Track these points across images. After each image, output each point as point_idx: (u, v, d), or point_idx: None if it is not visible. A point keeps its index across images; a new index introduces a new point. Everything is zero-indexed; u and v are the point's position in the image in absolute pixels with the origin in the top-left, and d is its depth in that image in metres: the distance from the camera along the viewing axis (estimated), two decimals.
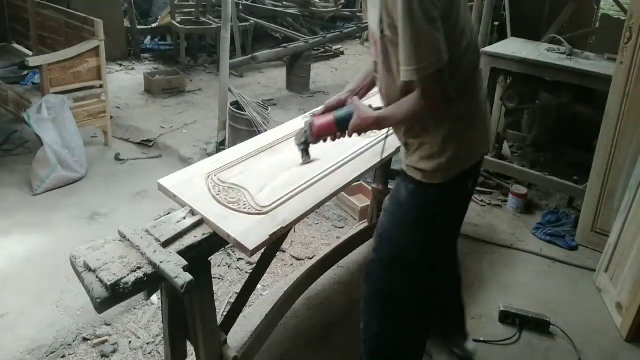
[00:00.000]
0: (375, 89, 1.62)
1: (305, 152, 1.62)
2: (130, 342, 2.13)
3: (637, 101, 2.54)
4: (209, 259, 1.49)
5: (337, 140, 1.60)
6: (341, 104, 1.59)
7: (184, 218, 1.46)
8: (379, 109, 1.51)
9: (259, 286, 2.30)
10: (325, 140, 1.60)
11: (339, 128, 1.53)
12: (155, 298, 2.31)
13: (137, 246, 1.33)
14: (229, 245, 1.55)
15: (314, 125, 1.56)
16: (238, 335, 2.04)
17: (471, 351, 2.09)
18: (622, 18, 3.81)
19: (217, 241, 1.44)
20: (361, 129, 1.50)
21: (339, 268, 2.56)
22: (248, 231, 1.41)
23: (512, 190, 3.22)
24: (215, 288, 2.35)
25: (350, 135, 1.53)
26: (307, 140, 1.59)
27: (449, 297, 2.02)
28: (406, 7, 1.18)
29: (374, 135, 2.00)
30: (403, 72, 1.25)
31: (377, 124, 1.47)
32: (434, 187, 1.45)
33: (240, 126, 3.56)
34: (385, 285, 1.63)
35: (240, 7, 6.11)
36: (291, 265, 2.68)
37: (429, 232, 1.54)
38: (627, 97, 2.56)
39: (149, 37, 6.36)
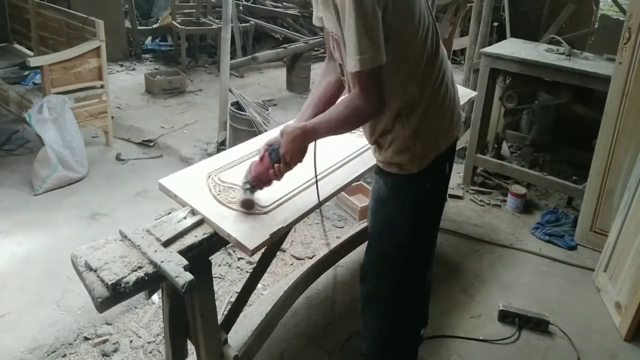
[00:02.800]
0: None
1: (249, 191, 1.49)
2: (131, 342, 2.14)
3: (636, 101, 2.54)
4: (210, 258, 1.50)
5: (280, 179, 1.47)
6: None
7: (185, 218, 1.46)
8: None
9: (259, 285, 2.31)
10: (270, 183, 1.50)
11: (273, 159, 1.43)
12: (156, 297, 2.31)
13: (138, 246, 1.33)
14: (229, 245, 1.56)
15: (251, 167, 1.50)
16: (238, 335, 2.04)
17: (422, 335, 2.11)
18: (621, 18, 3.81)
19: (217, 241, 1.45)
20: (294, 148, 1.38)
21: (339, 268, 2.57)
22: (248, 231, 1.42)
23: (511, 190, 3.23)
24: (215, 287, 2.36)
25: (285, 164, 1.42)
26: (247, 182, 1.49)
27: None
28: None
29: None
30: (351, 62, 1.23)
31: (307, 136, 1.37)
32: (413, 177, 1.46)
33: (240, 126, 3.57)
34: (379, 285, 1.65)
35: (241, 7, 6.11)
36: (291, 264, 2.69)
37: (412, 221, 1.54)
38: (626, 97, 2.57)
39: (149, 38, 6.37)
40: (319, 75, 1.61)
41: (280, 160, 1.42)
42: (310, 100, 1.55)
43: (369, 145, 1.57)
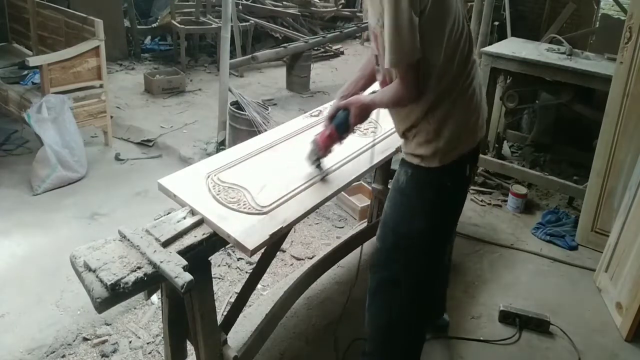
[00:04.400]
0: (373, 87, 1.73)
1: (318, 166, 1.73)
2: (130, 342, 2.13)
3: (637, 101, 2.54)
4: (209, 258, 1.49)
5: (344, 141, 1.70)
6: (338, 110, 1.67)
7: (184, 218, 1.46)
8: (374, 92, 1.64)
9: (259, 286, 2.31)
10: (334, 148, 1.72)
11: (341, 132, 1.65)
12: (155, 298, 2.31)
13: (137, 246, 1.33)
14: (229, 245, 1.55)
15: (318, 142, 1.69)
16: (238, 335, 2.04)
17: (444, 324, 2.22)
18: (622, 18, 3.81)
19: (217, 241, 1.45)
20: (361, 117, 1.61)
21: (339, 268, 2.57)
22: (248, 231, 1.42)
23: (512, 190, 3.22)
24: (215, 288, 2.35)
25: (353, 129, 1.66)
26: (317, 157, 1.71)
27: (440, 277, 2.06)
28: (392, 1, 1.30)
29: (373, 135, 2.01)
30: (386, 59, 1.37)
31: (368, 107, 1.59)
32: (433, 170, 1.52)
33: (240, 126, 3.56)
34: (391, 273, 1.67)
35: (240, 7, 6.10)
36: (291, 265, 2.69)
37: (428, 215, 1.58)
38: (627, 97, 2.57)
39: (149, 37, 6.36)
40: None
41: (348, 129, 1.64)
42: (362, 74, 1.75)
43: (399, 137, 1.65)
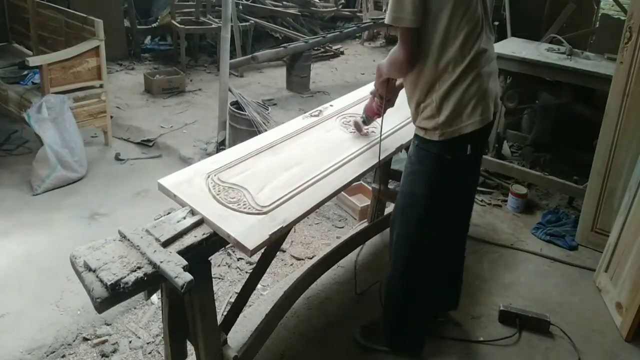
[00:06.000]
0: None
1: (364, 122, 2.03)
2: (130, 342, 2.13)
3: (637, 101, 2.54)
4: (209, 258, 1.49)
5: (380, 112, 1.95)
6: None
7: (184, 218, 1.46)
8: None
9: (259, 286, 2.31)
10: (378, 115, 1.98)
11: (373, 94, 1.96)
12: (155, 298, 2.31)
13: (137, 246, 1.33)
14: (229, 245, 1.55)
15: (366, 104, 2.05)
16: (238, 335, 2.04)
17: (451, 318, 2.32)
18: (622, 18, 3.81)
19: (217, 241, 1.45)
20: (375, 82, 1.88)
21: (339, 268, 2.57)
22: (248, 231, 1.42)
23: (512, 190, 3.22)
24: (215, 288, 2.35)
25: (378, 91, 1.89)
26: (365, 114, 2.03)
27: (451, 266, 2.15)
28: None
29: (374, 135, 2.02)
30: (387, 16, 1.58)
31: (378, 73, 1.82)
32: (434, 143, 1.69)
33: (240, 126, 3.56)
34: (398, 231, 1.90)
35: (240, 7, 6.10)
36: (291, 265, 2.69)
37: (427, 182, 1.77)
38: (627, 97, 2.56)
39: (149, 37, 6.36)
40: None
41: (375, 94, 1.94)
42: None
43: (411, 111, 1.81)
